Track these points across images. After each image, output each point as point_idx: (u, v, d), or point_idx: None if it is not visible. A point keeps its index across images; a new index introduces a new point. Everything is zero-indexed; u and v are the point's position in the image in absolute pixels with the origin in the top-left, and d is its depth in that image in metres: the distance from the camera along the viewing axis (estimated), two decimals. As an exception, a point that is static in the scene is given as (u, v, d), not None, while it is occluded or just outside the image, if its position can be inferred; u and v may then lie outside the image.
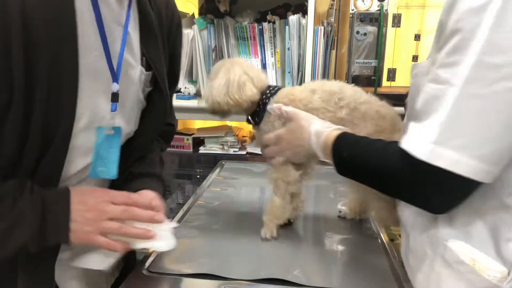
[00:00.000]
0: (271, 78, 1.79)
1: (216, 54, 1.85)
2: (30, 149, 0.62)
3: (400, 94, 1.22)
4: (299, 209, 1.01)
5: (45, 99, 0.60)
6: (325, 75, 1.77)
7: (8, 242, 0.61)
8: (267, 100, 0.94)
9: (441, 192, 0.59)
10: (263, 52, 1.81)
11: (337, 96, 0.87)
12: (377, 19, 1.64)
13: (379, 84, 1.69)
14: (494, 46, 0.52)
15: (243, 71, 0.94)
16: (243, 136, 2.14)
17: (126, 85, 0.73)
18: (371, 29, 1.65)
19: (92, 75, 0.66)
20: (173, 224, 0.76)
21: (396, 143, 0.63)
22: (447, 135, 0.56)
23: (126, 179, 0.80)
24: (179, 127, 2.20)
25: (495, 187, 0.58)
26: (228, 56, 1.84)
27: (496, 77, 0.52)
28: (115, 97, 0.71)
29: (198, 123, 2.31)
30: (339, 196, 1.21)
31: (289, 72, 1.78)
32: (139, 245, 0.70)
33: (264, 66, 1.80)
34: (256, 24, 1.79)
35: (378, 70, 1.67)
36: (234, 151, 1.93)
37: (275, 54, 1.81)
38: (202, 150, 1.96)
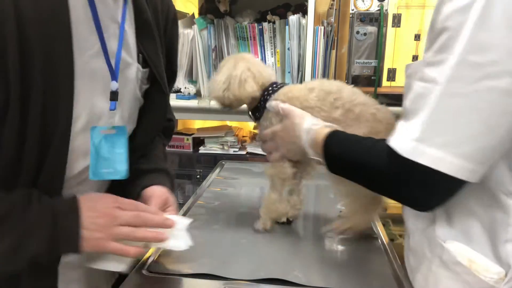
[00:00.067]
0: (272, 78, 1.79)
1: (216, 54, 1.85)
2: (29, 151, 0.60)
3: (400, 94, 1.22)
4: (298, 208, 1.01)
5: (41, 99, 0.59)
6: (325, 75, 1.77)
7: (19, 255, 0.60)
8: (268, 97, 0.95)
9: (425, 190, 0.59)
10: (263, 52, 1.81)
11: (333, 96, 0.88)
12: (377, 19, 1.64)
13: (379, 84, 1.68)
14: (477, 45, 0.52)
15: (246, 67, 0.95)
16: (243, 136, 2.14)
17: (123, 83, 0.72)
18: (371, 29, 1.65)
19: (89, 74, 0.65)
20: (187, 221, 0.75)
21: (384, 140, 0.64)
22: (429, 132, 0.56)
23: (134, 176, 0.79)
24: (179, 127, 2.20)
25: (490, 187, 0.58)
26: (228, 56, 1.84)
27: (478, 76, 0.52)
28: (114, 96, 0.70)
29: (198, 123, 2.31)
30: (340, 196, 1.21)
31: (289, 72, 1.78)
32: (154, 245, 0.70)
33: (264, 66, 1.80)
34: (256, 24, 1.79)
35: (378, 70, 1.67)
36: (234, 151, 1.93)
37: (275, 54, 1.81)
38: (202, 150, 1.96)
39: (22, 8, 0.56)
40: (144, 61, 0.77)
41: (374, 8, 1.65)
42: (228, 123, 2.19)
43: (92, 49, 0.65)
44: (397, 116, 0.88)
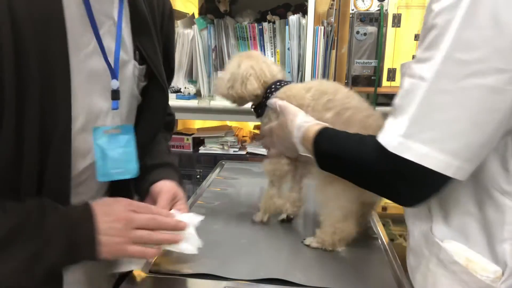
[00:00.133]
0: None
1: (216, 54, 1.85)
2: (29, 151, 0.59)
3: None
4: (297, 205, 1.01)
5: (38, 99, 0.58)
6: (325, 75, 1.77)
7: (37, 267, 0.58)
8: (270, 95, 0.97)
9: (410, 185, 0.60)
10: (263, 52, 1.81)
11: (327, 97, 0.88)
12: (377, 19, 1.64)
13: (379, 84, 1.68)
14: (463, 42, 0.52)
15: (249, 66, 0.97)
16: (243, 136, 2.14)
17: (120, 82, 0.71)
18: (371, 29, 1.65)
19: (85, 73, 0.64)
20: (198, 218, 0.75)
21: (373, 136, 0.64)
22: (416, 128, 0.56)
23: (140, 173, 0.78)
24: (179, 127, 2.20)
25: (485, 185, 0.59)
26: (228, 57, 1.84)
27: (464, 73, 0.53)
28: (115, 95, 0.69)
29: (198, 123, 2.31)
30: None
31: (289, 72, 1.78)
32: (166, 248, 0.70)
33: (264, 66, 1.80)
34: (256, 24, 1.79)
35: (378, 70, 1.67)
36: (234, 151, 1.93)
37: (275, 54, 1.81)
38: (202, 150, 1.96)
39: (16, 8, 0.55)
40: (141, 58, 0.76)
41: (374, 8, 1.65)
42: (228, 123, 2.19)
43: (87, 48, 0.65)
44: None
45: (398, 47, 1.69)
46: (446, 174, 0.55)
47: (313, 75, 1.76)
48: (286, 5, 1.95)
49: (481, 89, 0.52)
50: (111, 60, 0.68)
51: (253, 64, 0.98)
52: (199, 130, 2.12)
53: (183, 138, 1.98)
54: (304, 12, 1.74)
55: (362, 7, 1.65)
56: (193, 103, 1.80)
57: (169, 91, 0.87)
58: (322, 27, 1.73)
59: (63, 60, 0.60)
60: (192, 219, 0.74)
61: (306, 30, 1.72)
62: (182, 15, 2.07)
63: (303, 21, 1.74)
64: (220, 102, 1.75)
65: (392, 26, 1.66)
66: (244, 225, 1.00)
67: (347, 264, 0.85)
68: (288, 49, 1.77)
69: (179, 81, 1.92)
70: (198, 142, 2.00)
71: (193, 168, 1.94)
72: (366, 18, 1.64)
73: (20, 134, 0.58)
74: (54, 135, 0.61)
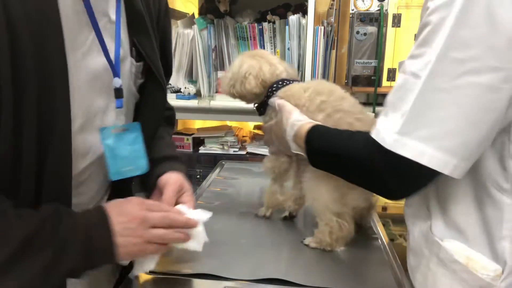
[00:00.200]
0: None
1: (216, 54, 1.85)
2: (28, 152, 0.58)
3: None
4: (299, 203, 1.02)
5: (36, 99, 0.57)
6: (325, 75, 1.77)
7: (55, 273, 0.58)
8: (271, 94, 0.98)
9: (401, 180, 0.61)
10: (263, 52, 1.81)
11: (321, 98, 0.89)
12: (377, 19, 1.64)
13: (379, 84, 1.68)
14: (458, 40, 0.52)
15: (250, 66, 0.99)
16: (243, 136, 2.14)
17: None
18: (371, 29, 1.65)
19: (83, 71, 0.64)
20: (206, 215, 0.75)
21: (362, 132, 0.65)
22: (412, 126, 0.56)
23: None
24: (179, 127, 2.20)
25: (483, 184, 0.59)
26: (228, 56, 1.84)
27: (459, 71, 0.53)
28: (119, 93, 0.68)
29: (198, 123, 2.31)
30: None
31: (289, 72, 1.78)
32: (174, 245, 0.70)
33: (264, 66, 1.80)
34: (256, 24, 1.79)
35: (378, 70, 1.67)
36: (234, 151, 1.93)
37: (275, 54, 1.80)
38: (202, 150, 1.96)
39: (11, 8, 0.54)
40: (137, 55, 0.75)
41: (374, 8, 1.65)
42: (228, 123, 2.19)
43: (84, 46, 0.64)
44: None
45: (398, 47, 1.69)
46: (444, 172, 0.55)
47: (313, 75, 1.76)
48: (286, 5, 1.95)
49: (476, 88, 0.52)
50: (112, 57, 0.67)
51: (254, 63, 0.99)
52: (199, 130, 2.12)
53: (183, 138, 1.98)
54: (304, 12, 1.74)
55: (362, 7, 1.65)
56: (193, 103, 1.80)
57: (169, 91, 0.87)
58: (322, 27, 1.73)
59: (60, 59, 0.60)
60: (201, 216, 0.74)
61: (306, 30, 1.72)
62: (182, 15, 2.07)
63: (303, 21, 1.74)
64: (220, 102, 1.75)
65: (392, 26, 1.66)
66: (244, 225, 1.00)
67: (347, 264, 0.85)
68: (288, 49, 1.77)
69: (179, 81, 1.92)
70: (198, 142, 2.00)
71: (193, 168, 1.94)
72: (366, 18, 1.64)
73: (19, 135, 0.57)
74: (54, 135, 0.61)
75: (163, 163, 0.82)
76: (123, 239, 0.62)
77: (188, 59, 1.89)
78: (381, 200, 1.26)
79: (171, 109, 1.00)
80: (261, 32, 1.80)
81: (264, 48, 1.81)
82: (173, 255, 0.83)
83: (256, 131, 2.15)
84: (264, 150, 1.86)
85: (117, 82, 0.68)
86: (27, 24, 0.56)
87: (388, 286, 0.77)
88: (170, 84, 1.88)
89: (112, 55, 0.67)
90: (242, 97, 1.02)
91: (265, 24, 1.78)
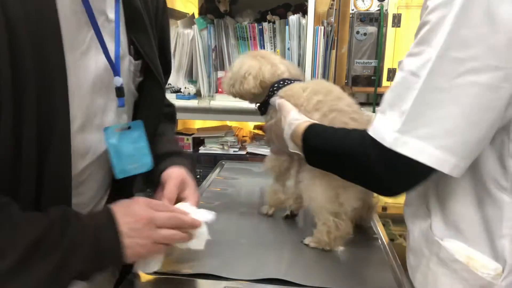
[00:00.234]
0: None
1: (216, 54, 1.85)
2: (28, 151, 0.58)
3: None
4: (300, 201, 1.01)
5: (35, 99, 0.57)
6: (325, 75, 1.77)
7: (64, 275, 0.58)
8: (272, 93, 0.98)
9: (398, 178, 0.61)
10: (263, 52, 1.81)
11: (318, 98, 0.89)
12: (377, 19, 1.64)
13: (379, 84, 1.68)
14: (458, 40, 0.53)
15: (250, 65, 1.00)
16: (243, 136, 2.14)
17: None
18: (371, 29, 1.65)
19: (82, 71, 0.64)
20: (210, 216, 0.75)
21: (358, 130, 0.66)
22: (412, 124, 0.57)
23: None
24: (179, 127, 2.20)
25: (483, 182, 0.59)
26: (228, 57, 1.84)
27: (459, 71, 0.53)
28: (120, 92, 0.68)
29: (198, 123, 2.31)
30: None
31: (289, 72, 1.78)
32: (177, 245, 0.71)
33: (264, 66, 1.81)
34: (256, 24, 1.79)
35: (378, 70, 1.67)
36: (234, 151, 1.93)
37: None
38: (202, 150, 1.96)
39: (9, 8, 0.54)
40: (135, 53, 0.75)
41: (374, 8, 1.65)
42: (228, 123, 2.19)
43: (83, 45, 0.64)
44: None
45: (398, 47, 1.69)
46: (443, 170, 0.56)
47: (313, 75, 1.76)
48: (286, 5, 1.95)
49: (476, 87, 0.52)
50: (112, 56, 0.67)
51: (254, 64, 1.00)
52: (199, 130, 2.12)
53: (183, 138, 1.98)
54: (304, 12, 1.74)
55: (362, 7, 1.65)
56: (193, 103, 1.80)
57: (169, 91, 0.88)
58: (322, 27, 1.73)
59: (59, 59, 0.59)
60: (205, 216, 0.74)
61: (306, 30, 1.72)
62: (182, 15, 2.07)
63: (303, 21, 1.74)
64: (220, 102, 1.75)
65: (392, 26, 1.66)
66: (244, 225, 1.00)
67: (347, 264, 0.85)
68: (288, 49, 1.77)
69: (179, 81, 1.92)
70: (198, 142, 2.00)
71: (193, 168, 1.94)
72: (366, 18, 1.64)
73: (18, 135, 0.57)
74: (53, 135, 0.60)
75: (166, 159, 0.82)
76: (130, 240, 0.62)
77: (188, 59, 1.89)
78: (381, 200, 1.26)
79: (171, 106, 1.00)
80: (261, 32, 1.80)
81: (264, 48, 1.81)
82: (174, 255, 0.83)
83: (256, 131, 2.14)
84: (264, 150, 1.86)
85: (118, 81, 0.68)
86: (26, 24, 0.56)
87: (388, 286, 0.77)
88: (170, 84, 1.88)
89: (112, 54, 0.67)
90: (241, 96, 1.03)
91: (265, 24, 1.78)
